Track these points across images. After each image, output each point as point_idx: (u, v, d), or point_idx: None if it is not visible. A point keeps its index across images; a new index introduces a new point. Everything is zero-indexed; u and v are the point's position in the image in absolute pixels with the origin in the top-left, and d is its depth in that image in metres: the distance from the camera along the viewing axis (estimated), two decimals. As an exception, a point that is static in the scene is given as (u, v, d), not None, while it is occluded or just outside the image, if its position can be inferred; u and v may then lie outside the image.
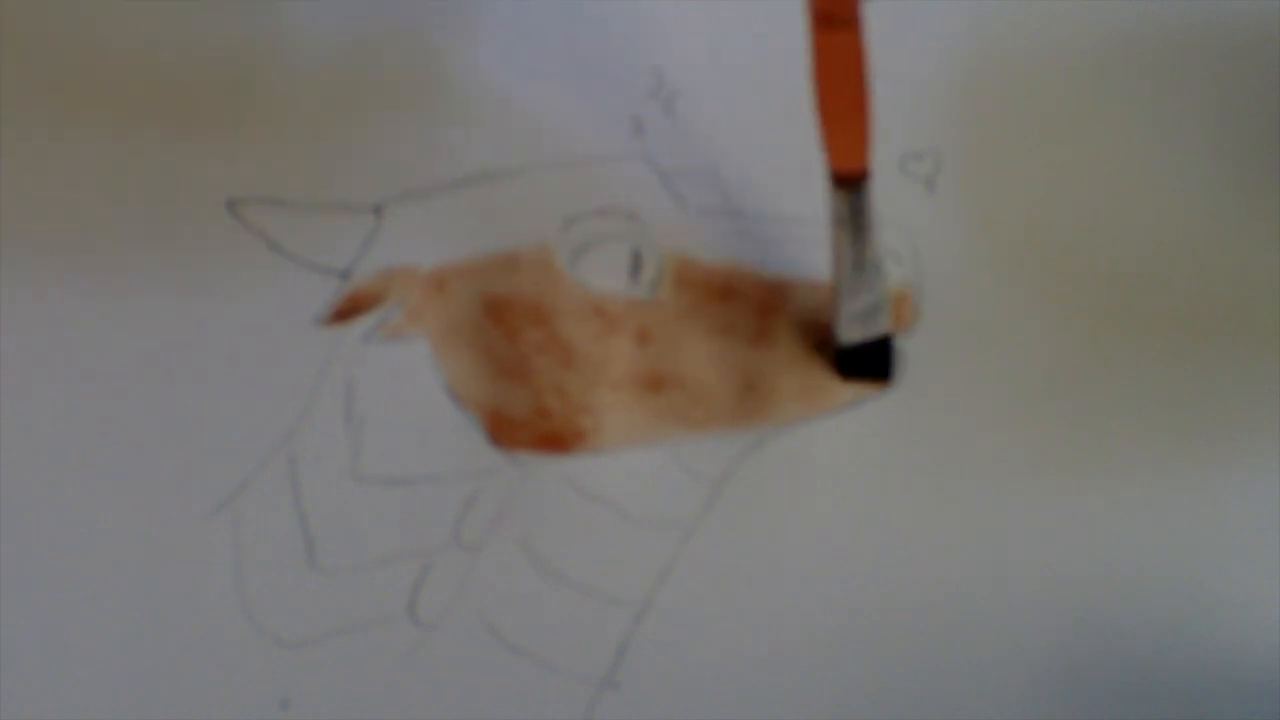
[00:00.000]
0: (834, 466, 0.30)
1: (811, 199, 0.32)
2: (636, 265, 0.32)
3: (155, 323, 0.31)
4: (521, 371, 0.31)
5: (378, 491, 0.30)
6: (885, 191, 0.32)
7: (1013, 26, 0.34)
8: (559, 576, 0.29)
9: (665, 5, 0.34)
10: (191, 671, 0.28)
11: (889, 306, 0.30)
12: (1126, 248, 0.32)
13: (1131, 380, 0.31)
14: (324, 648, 0.29)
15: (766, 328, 0.31)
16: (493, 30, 0.34)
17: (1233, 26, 0.34)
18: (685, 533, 0.30)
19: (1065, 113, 0.33)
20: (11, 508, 0.30)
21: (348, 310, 0.32)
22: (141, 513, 0.30)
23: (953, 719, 0.28)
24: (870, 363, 0.30)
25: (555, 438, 0.30)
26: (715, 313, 0.31)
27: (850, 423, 0.31)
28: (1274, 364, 0.31)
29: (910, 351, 0.31)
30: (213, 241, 0.32)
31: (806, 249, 0.31)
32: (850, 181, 0.27)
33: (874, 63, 0.34)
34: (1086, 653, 0.29)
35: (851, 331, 0.30)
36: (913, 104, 0.33)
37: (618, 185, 0.32)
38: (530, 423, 0.30)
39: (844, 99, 0.25)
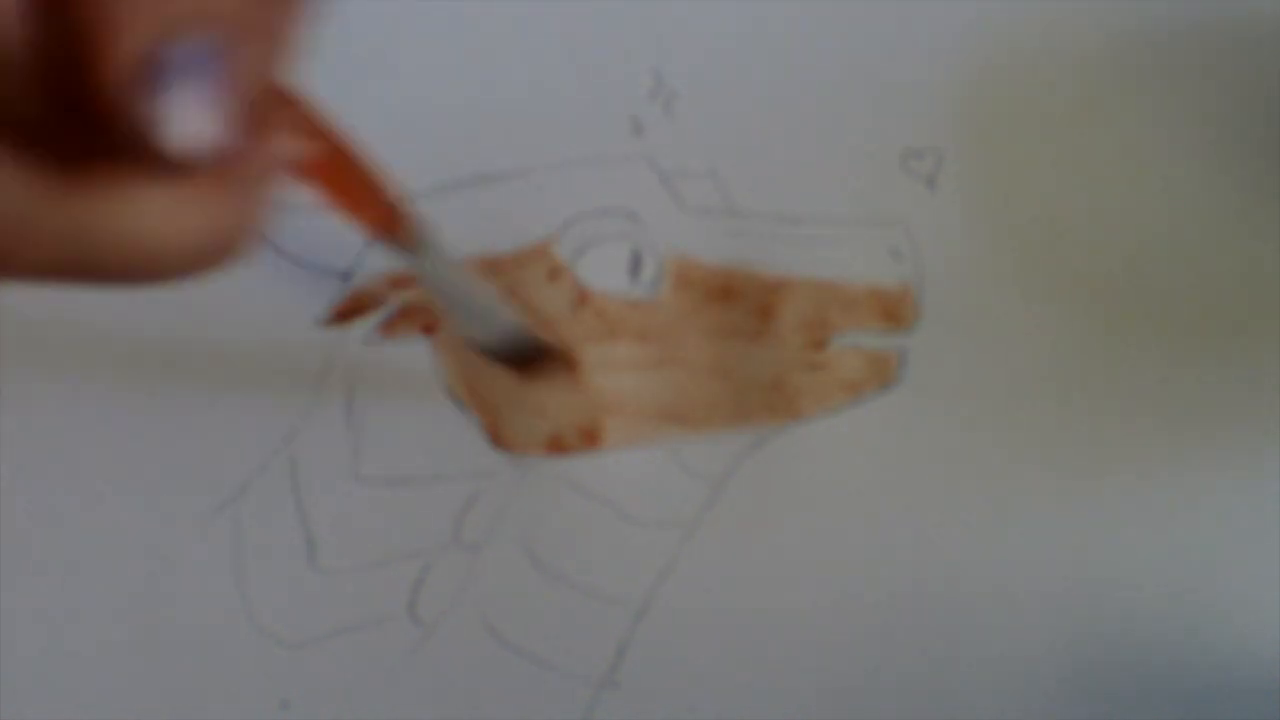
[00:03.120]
0: (834, 466, 0.30)
1: (811, 199, 0.32)
2: (636, 265, 0.32)
3: (156, 323, 0.31)
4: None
5: (378, 492, 0.30)
6: (886, 189, 0.33)
7: (1013, 25, 0.34)
8: (559, 576, 0.29)
9: (665, 5, 0.34)
10: (192, 671, 0.29)
11: (523, 327, 0.28)
12: (1127, 246, 0.32)
13: (1132, 378, 0.31)
14: (324, 648, 0.29)
15: (766, 328, 0.31)
16: (493, 31, 0.34)
17: (1233, 26, 0.34)
18: (685, 533, 0.30)
19: (1066, 111, 0.33)
20: (12, 508, 0.30)
21: (349, 311, 0.32)
22: (142, 513, 0.30)
23: (954, 718, 0.28)
24: (521, 357, 0.29)
25: (555, 438, 0.30)
26: (715, 313, 0.31)
27: (850, 422, 0.31)
28: (1276, 363, 0.31)
29: (911, 350, 0.31)
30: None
31: (806, 249, 0.31)
32: (393, 238, 0.24)
33: (873, 62, 0.34)
34: (1089, 652, 0.29)
35: (496, 351, 0.28)
36: (913, 103, 0.33)
37: (618, 185, 0.32)
38: (530, 423, 0.30)
39: (337, 178, 0.23)
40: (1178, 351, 0.31)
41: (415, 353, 0.31)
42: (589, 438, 0.30)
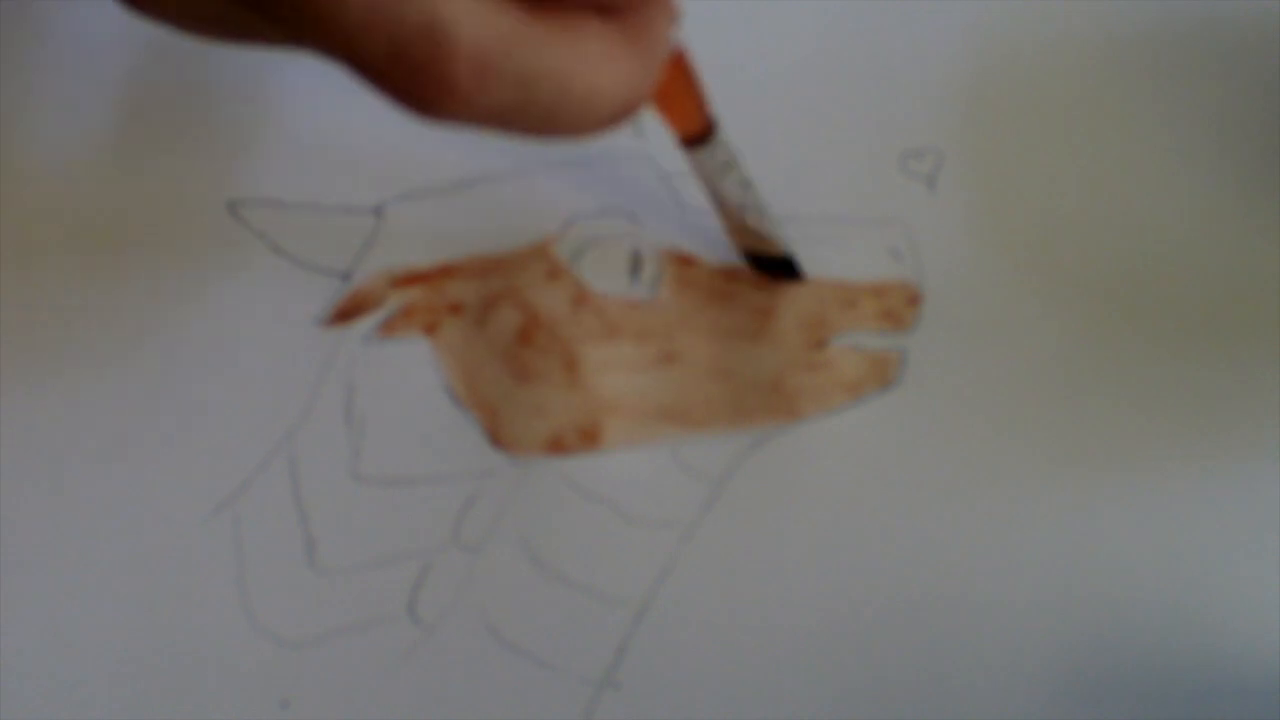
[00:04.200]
0: (834, 466, 0.30)
1: (811, 199, 0.32)
2: (636, 265, 0.32)
3: (156, 324, 0.31)
4: (521, 372, 0.31)
5: (378, 491, 0.30)
6: (886, 189, 0.33)
7: (1013, 25, 0.34)
8: (559, 576, 0.29)
9: (665, 5, 0.34)
10: (191, 671, 0.29)
11: (784, 242, 0.30)
12: (1127, 245, 0.32)
13: (1132, 378, 0.31)
14: (324, 648, 0.29)
15: (766, 328, 0.31)
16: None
17: (1233, 26, 0.34)
18: (685, 533, 0.30)
19: (1066, 110, 0.33)
20: (12, 508, 0.30)
21: (348, 311, 0.32)
22: (142, 513, 0.30)
23: (954, 718, 0.28)
24: (779, 268, 0.31)
25: (555, 438, 0.30)
26: (715, 313, 0.31)
27: (851, 422, 0.31)
28: (1276, 363, 0.31)
29: (911, 349, 0.31)
30: (214, 243, 0.32)
31: (805, 248, 0.31)
32: (699, 139, 0.28)
33: (873, 62, 0.34)
34: (1089, 651, 0.29)
35: (758, 246, 0.31)
36: (913, 102, 0.33)
37: (618, 185, 0.33)
38: (530, 423, 0.30)
39: (669, 83, 0.26)
40: (1178, 351, 0.31)
41: (415, 353, 0.31)
42: (589, 438, 0.30)
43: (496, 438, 0.30)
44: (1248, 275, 0.32)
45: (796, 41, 0.34)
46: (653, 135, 0.33)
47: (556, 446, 0.30)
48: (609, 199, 0.32)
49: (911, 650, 0.29)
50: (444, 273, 0.32)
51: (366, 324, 0.31)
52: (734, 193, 0.29)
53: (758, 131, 0.33)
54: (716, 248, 0.32)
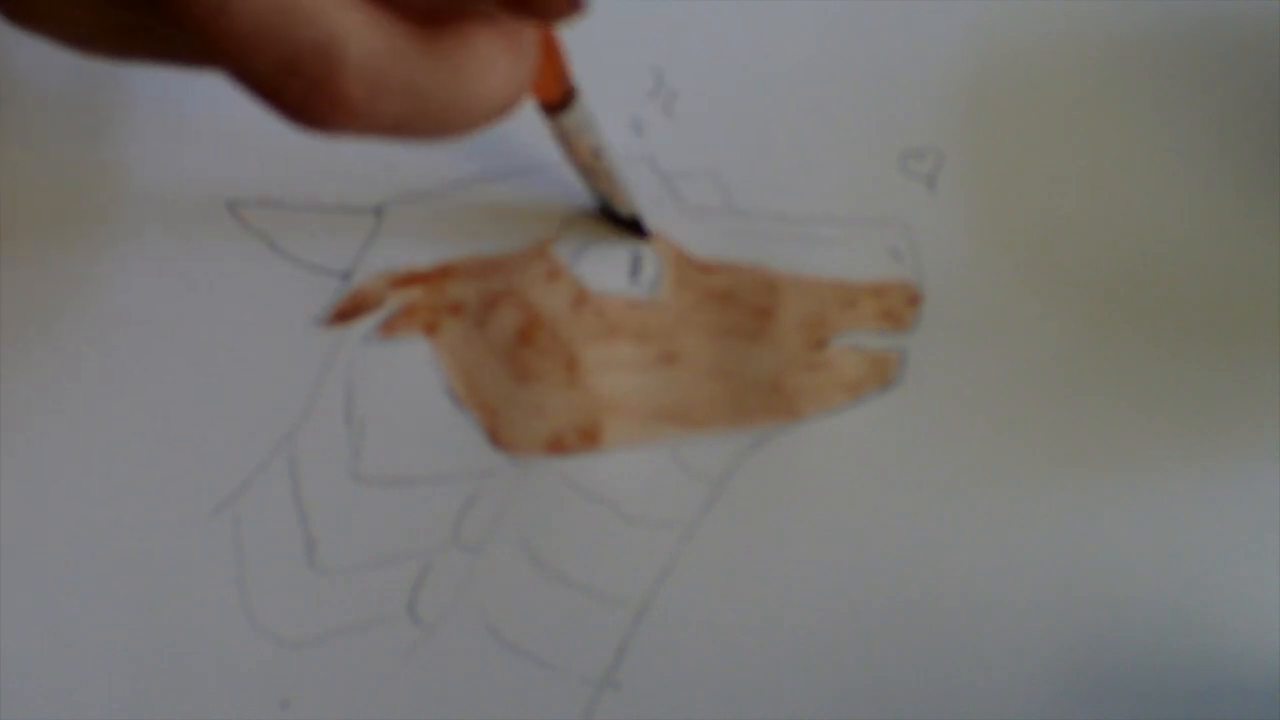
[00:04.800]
0: (834, 466, 0.30)
1: (811, 199, 0.32)
2: (636, 265, 0.32)
3: (156, 324, 0.31)
4: (522, 372, 0.31)
5: (378, 491, 0.30)
6: (886, 189, 0.33)
7: (1013, 25, 0.34)
8: (559, 576, 0.29)
9: (665, 5, 0.34)
10: (191, 671, 0.29)
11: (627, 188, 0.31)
12: (1128, 245, 0.32)
13: (1132, 378, 0.31)
14: (324, 648, 0.29)
15: (766, 328, 0.31)
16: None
17: (1233, 26, 0.34)
18: (685, 533, 0.30)
19: (1066, 111, 0.33)
20: (12, 508, 0.30)
21: (348, 311, 0.32)
22: (142, 513, 0.30)
23: (954, 718, 0.28)
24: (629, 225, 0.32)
25: (555, 438, 0.30)
26: (715, 313, 0.31)
27: (851, 422, 0.31)
28: (1276, 363, 0.31)
29: (911, 349, 0.31)
30: (213, 242, 0.32)
31: (806, 248, 0.31)
32: (559, 105, 0.28)
33: (873, 62, 0.34)
34: (1089, 651, 0.29)
35: (627, 204, 0.31)
36: (913, 102, 0.33)
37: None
38: (530, 423, 0.30)
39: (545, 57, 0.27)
40: (1178, 351, 0.31)
41: (415, 353, 0.31)
42: (589, 438, 0.30)
43: (496, 438, 0.30)
44: (1248, 275, 0.32)
45: (796, 41, 0.34)
46: (653, 135, 0.33)
47: (556, 446, 0.30)
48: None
49: (911, 650, 0.29)
50: (444, 273, 0.32)
51: (366, 324, 0.31)
52: (588, 156, 0.30)
53: (758, 131, 0.33)
54: (716, 248, 0.32)
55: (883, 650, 0.29)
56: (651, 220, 0.32)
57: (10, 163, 0.33)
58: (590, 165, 0.30)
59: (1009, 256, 0.32)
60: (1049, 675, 0.28)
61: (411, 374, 0.31)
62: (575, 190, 0.32)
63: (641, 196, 0.32)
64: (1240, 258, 0.32)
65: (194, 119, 0.34)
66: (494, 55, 0.21)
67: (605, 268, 0.32)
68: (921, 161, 0.33)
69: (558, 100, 0.28)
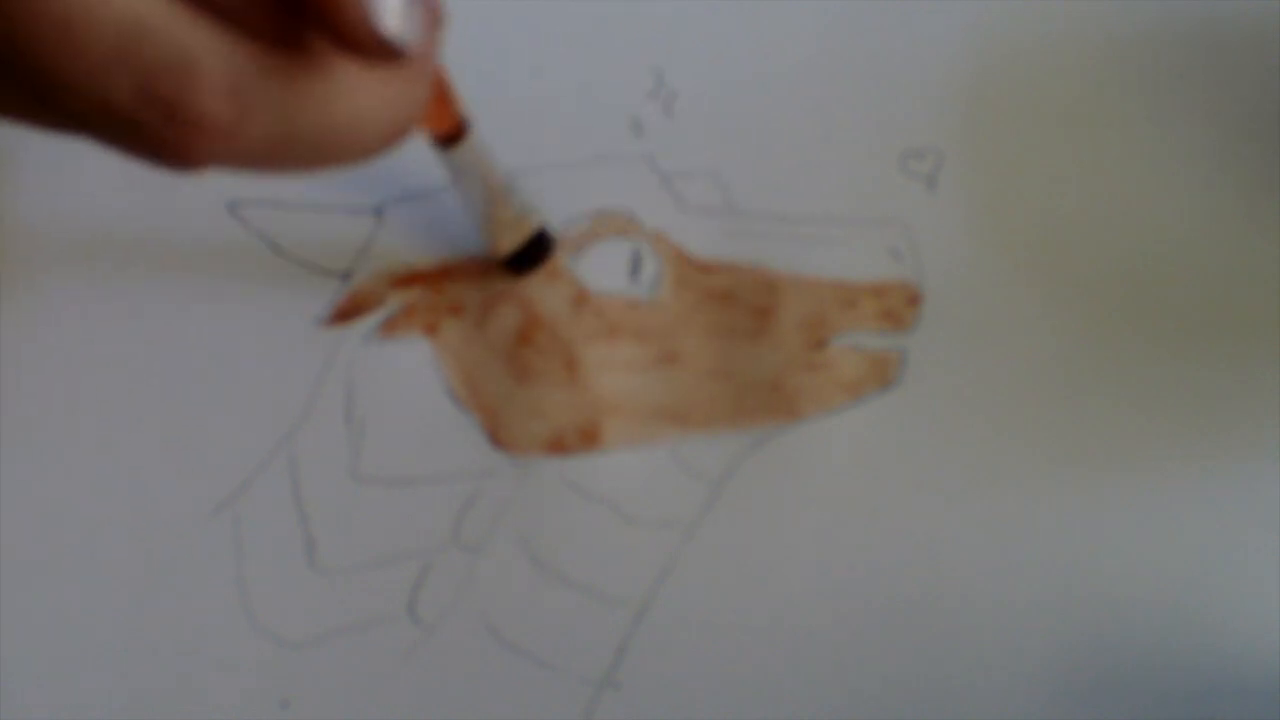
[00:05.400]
0: (834, 466, 0.30)
1: (811, 199, 0.32)
2: (636, 265, 0.32)
3: (157, 324, 0.31)
4: (522, 372, 0.31)
5: (378, 491, 0.30)
6: (886, 189, 0.33)
7: (1013, 25, 0.34)
8: (559, 576, 0.29)
9: (665, 5, 0.34)
10: (192, 671, 0.29)
11: (532, 209, 0.31)
12: (1127, 246, 0.32)
13: (1132, 378, 0.31)
14: (324, 648, 0.29)
15: (766, 328, 0.31)
16: (493, 30, 0.34)
17: (1233, 26, 0.34)
18: (685, 533, 0.30)
19: (1066, 111, 0.33)
20: (13, 508, 0.30)
21: (348, 311, 0.32)
22: (143, 513, 0.30)
23: (954, 718, 0.28)
24: (534, 253, 0.31)
25: (555, 438, 0.30)
26: (715, 313, 0.31)
27: (851, 422, 0.31)
28: (1276, 363, 0.31)
29: (911, 349, 0.31)
30: (214, 243, 0.32)
31: (805, 248, 0.31)
32: (450, 139, 0.28)
33: (873, 62, 0.34)
34: (1089, 651, 0.29)
35: (512, 240, 0.31)
36: (913, 103, 0.33)
37: (618, 185, 0.32)
38: (530, 423, 0.30)
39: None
40: (1178, 351, 0.31)
41: (415, 353, 0.31)
42: (589, 438, 0.30)
43: (496, 438, 0.30)
44: (1248, 275, 0.32)
45: (796, 41, 0.34)
46: (653, 135, 0.33)
47: (556, 447, 0.30)
48: (609, 199, 0.32)
49: (911, 649, 0.29)
50: (444, 273, 0.32)
51: (366, 324, 0.31)
52: (483, 190, 0.30)
53: (758, 131, 0.33)
54: (716, 248, 0.32)
55: (883, 650, 0.29)
56: (652, 220, 0.32)
57: (10, 162, 0.33)
58: (486, 201, 0.30)
59: (1009, 256, 0.32)
60: (1049, 674, 0.28)
61: (411, 374, 0.31)
62: (575, 190, 0.32)
63: (641, 196, 0.32)
64: (1240, 258, 0.32)
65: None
66: (369, 72, 0.20)
67: (605, 268, 0.32)
68: (921, 161, 0.33)
69: (449, 133, 0.28)
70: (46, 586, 0.29)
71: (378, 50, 0.18)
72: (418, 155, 0.33)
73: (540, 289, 0.31)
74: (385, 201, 0.33)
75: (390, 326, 0.31)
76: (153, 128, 0.18)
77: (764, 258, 0.32)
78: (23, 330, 0.32)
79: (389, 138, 0.20)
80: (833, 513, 0.30)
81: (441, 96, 0.27)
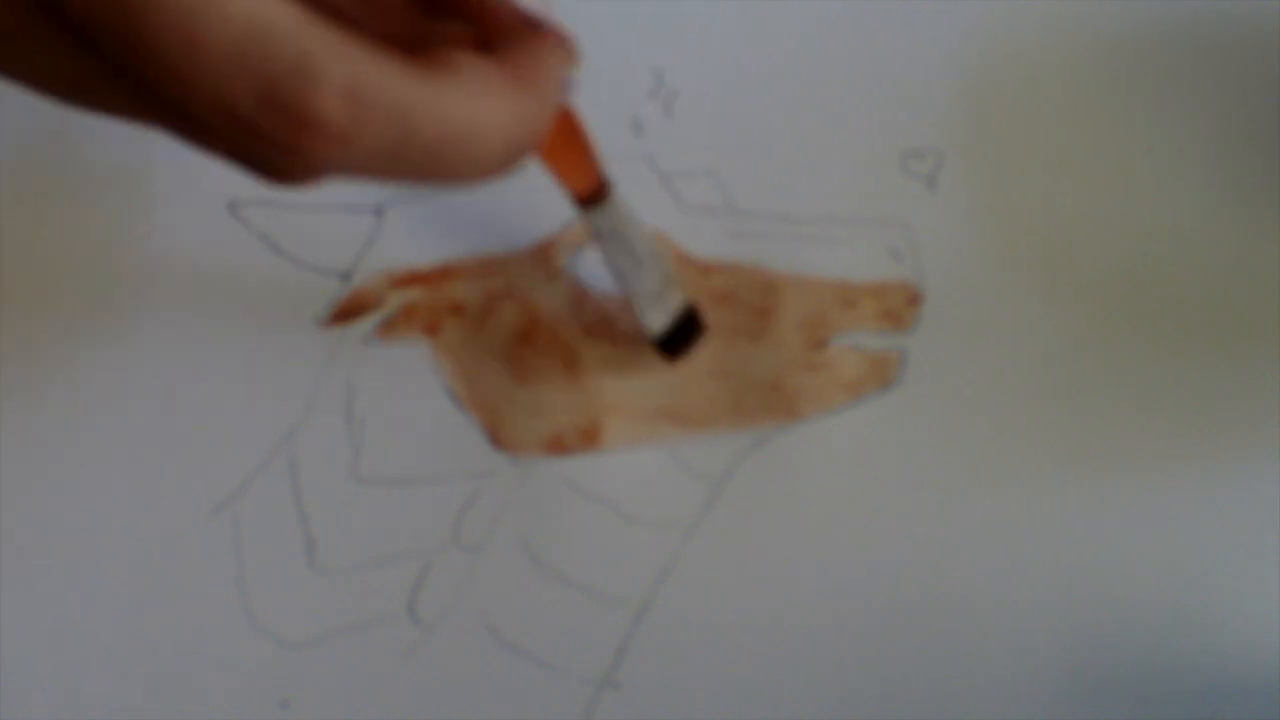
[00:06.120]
0: (834, 466, 0.30)
1: (811, 199, 0.32)
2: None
3: (157, 324, 0.31)
4: (522, 372, 0.31)
5: (378, 492, 0.30)
6: (886, 189, 0.33)
7: (1013, 26, 0.34)
8: (559, 576, 0.29)
9: (665, 5, 0.34)
10: (192, 671, 0.29)
11: (672, 280, 0.30)
12: (1127, 246, 0.32)
13: (1132, 378, 0.31)
14: (324, 648, 0.29)
15: (766, 328, 0.31)
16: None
17: (1233, 26, 0.34)
18: (685, 533, 0.30)
19: (1066, 111, 0.33)
20: (13, 508, 0.30)
21: (349, 311, 0.32)
22: (143, 513, 0.30)
23: (954, 718, 0.28)
24: (685, 335, 0.30)
25: (555, 438, 0.30)
26: (715, 312, 0.31)
27: (851, 422, 0.31)
28: (1276, 363, 0.31)
29: (911, 349, 0.31)
30: (214, 243, 0.32)
31: (806, 248, 0.31)
32: (593, 200, 0.27)
33: (873, 62, 0.34)
34: (1088, 651, 0.29)
35: (659, 316, 0.30)
36: (914, 103, 0.33)
37: (618, 185, 0.32)
38: (530, 423, 0.30)
39: (557, 138, 0.25)
40: (1177, 351, 0.31)
41: (415, 353, 0.31)
42: (589, 438, 0.30)
43: (496, 438, 0.30)
44: (1248, 275, 0.32)
45: (797, 41, 0.34)
46: (653, 135, 0.33)
47: (556, 446, 0.30)
48: (609, 199, 0.32)
49: (911, 649, 0.29)
50: (444, 273, 0.32)
51: (366, 324, 0.31)
52: (628, 258, 0.29)
53: (758, 131, 0.33)
54: (717, 248, 0.32)
55: (882, 649, 0.29)
56: (651, 220, 0.32)
57: (9, 161, 0.33)
58: (623, 273, 0.29)
59: (1009, 256, 0.32)
60: (1048, 674, 0.28)
61: (412, 375, 0.31)
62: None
63: (641, 196, 0.32)
64: (1240, 258, 0.32)
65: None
66: (491, 84, 0.19)
67: (605, 268, 0.32)
68: (921, 161, 0.33)
69: (591, 190, 0.27)
70: (47, 586, 0.29)
71: (513, 21, 0.18)
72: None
73: (540, 289, 0.31)
74: (385, 201, 0.33)
75: (390, 326, 0.31)
76: (270, 132, 0.17)
77: (764, 258, 0.32)
78: (23, 330, 0.32)
79: (506, 156, 0.20)
80: (833, 513, 0.30)
81: (580, 151, 0.26)
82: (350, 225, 0.32)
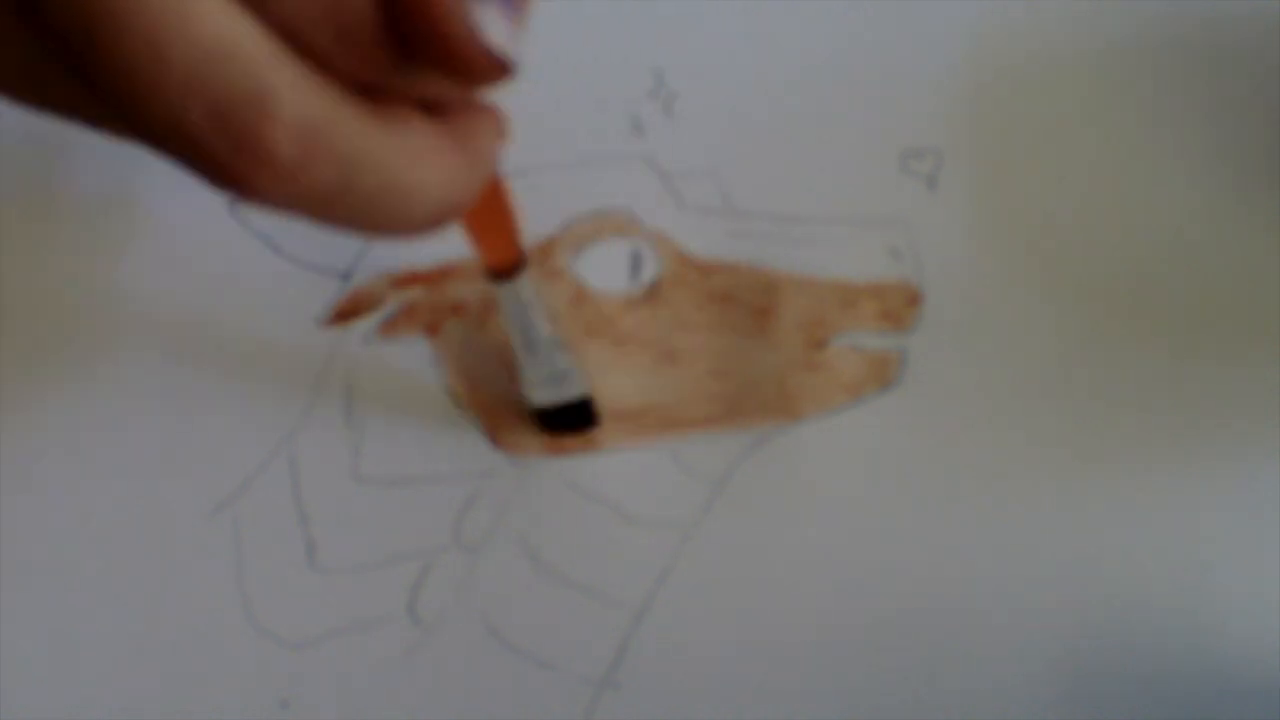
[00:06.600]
0: (834, 466, 0.30)
1: (811, 199, 0.32)
2: (636, 265, 0.32)
3: (157, 324, 0.31)
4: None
5: (378, 492, 0.30)
6: (886, 189, 0.33)
7: (1013, 26, 0.34)
8: (559, 576, 0.29)
9: (665, 5, 0.34)
10: (191, 671, 0.29)
11: (576, 374, 0.29)
12: (1127, 246, 0.32)
13: (1132, 378, 0.31)
14: (324, 648, 0.29)
15: (766, 328, 0.31)
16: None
17: (1232, 26, 0.34)
18: (685, 533, 0.30)
19: (1066, 111, 0.33)
20: (13, 508, 0.30)
21: (348, 311, 0.32)
22: (143, 513, 0.30)
23: (954, 717, 0.28)
24: (570, 419, 0.30)
25: (555, 439, 0.30)
26: (714, 312, 0.31)
27: (850, 422, 0.31)
28: (1276, 363, 0.31)
29: (911, 349, 0.31)
30: (213, 242, 0.32)
31: (805, 248, 0.31)
32: (504, 273, 0.27)
33: (873, 62, 0.34)
34: (1088, 651, 0.29)
35: (543, 395, 0.30)
36: (914, 102, 0.33)
37: (618, 185, 0.33)
38: (530, 423, 0.30)
39: (481, 209, 0.26)
40: (1177, 351, 0.31)
41: (415, 353, 0.31)
42: (589, 438, 0.30)
43: (496, 438, 0.30)
44: (1248, 275, 0.32)
45: (797, 41, 0.34)
46: (653, 135, 0.33)
47: (556, 447, 0.30)
48: (609, 199, 0.32)
49: (910, 649, 0.29)
50: (444, 273, 0.32)
51: (366, 324, 0.31)
52: (523, 338, 0.29)
53: (758, 131, 0.33)
54: (717, 248, 0.32)
55: (882, 649, 0.29)
56: (652, 220, 0.32)
57: (9, 161, 0.33)
58: (528, 345, 0.29)
59: (1009, 256, 0.32)
60: (1048, 674, 0.28)
61: (412, 375, 0.31)
62: (575, 190, 0.32)
63: (641, 196, 0.32)
64: (1240, 258, 0.32)
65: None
66: (435, 145, 0.20)
67: (605, 267, 0.32)
68: (921, 161, 0.33)
69: (508, 265, 0.27)
70: (47, 586, 0.29)
71: (486, 63, 0.18)
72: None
73: (540, 289, 0.31)
74: (385, 201, 0.33)
75: (390, 326, 0.31)
76: (219, 155, 0.18)
77: (764, 258, 0.32)
78: (23, 331, 0.32)
79: (438, 215, 0.20)
80: (833, 513, 0.30)
81: (503, 223, 0.26)
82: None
